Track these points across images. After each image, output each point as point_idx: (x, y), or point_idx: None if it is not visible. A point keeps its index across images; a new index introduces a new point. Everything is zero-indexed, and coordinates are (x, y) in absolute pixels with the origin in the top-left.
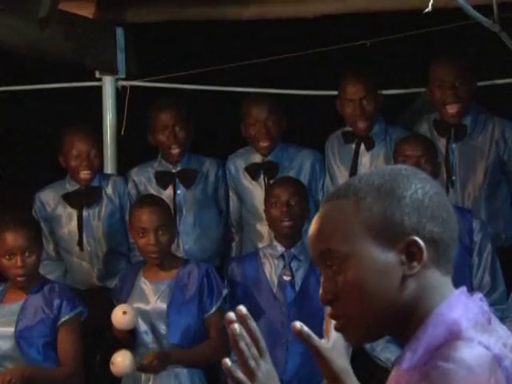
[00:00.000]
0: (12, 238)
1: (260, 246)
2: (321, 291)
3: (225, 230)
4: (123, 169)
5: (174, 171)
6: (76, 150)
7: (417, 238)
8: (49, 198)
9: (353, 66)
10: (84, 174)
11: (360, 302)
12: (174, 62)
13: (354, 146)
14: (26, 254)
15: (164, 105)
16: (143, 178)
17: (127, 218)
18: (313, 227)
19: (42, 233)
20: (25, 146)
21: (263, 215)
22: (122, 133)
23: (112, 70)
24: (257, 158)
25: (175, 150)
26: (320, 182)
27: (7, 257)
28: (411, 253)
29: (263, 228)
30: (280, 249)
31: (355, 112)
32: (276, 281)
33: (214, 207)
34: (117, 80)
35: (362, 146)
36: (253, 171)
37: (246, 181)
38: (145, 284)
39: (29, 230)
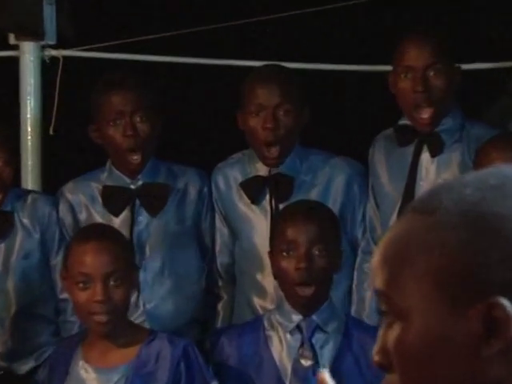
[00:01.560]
0: None
1: (263, 309)
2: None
3: (209, 282)
4: (51, 184)
5: (132, 187)
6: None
7: (504, 301)
8: None
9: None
10: None
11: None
12: (129, 24)
13: (412, 148)
14: None
15: (118, 81)
16: (83, 198)
17: (55, 260)
18: (379, 248)
19: None
20: None
21: (268, 260)
22: (51, 130)
23: (35, 34)
24: (260, 169)
25: (135, 155)
26: (360, 210)
27: None
28: (494, 319)
29: (268, 280)
30: (295, 317)
31: (416, 88)
32: (289, 367)
33: (193, 245)
34: (43, 48)
35: (425, 149)
36: (253, 189)
37: (243, 204)
38: (85, 371)
39: None
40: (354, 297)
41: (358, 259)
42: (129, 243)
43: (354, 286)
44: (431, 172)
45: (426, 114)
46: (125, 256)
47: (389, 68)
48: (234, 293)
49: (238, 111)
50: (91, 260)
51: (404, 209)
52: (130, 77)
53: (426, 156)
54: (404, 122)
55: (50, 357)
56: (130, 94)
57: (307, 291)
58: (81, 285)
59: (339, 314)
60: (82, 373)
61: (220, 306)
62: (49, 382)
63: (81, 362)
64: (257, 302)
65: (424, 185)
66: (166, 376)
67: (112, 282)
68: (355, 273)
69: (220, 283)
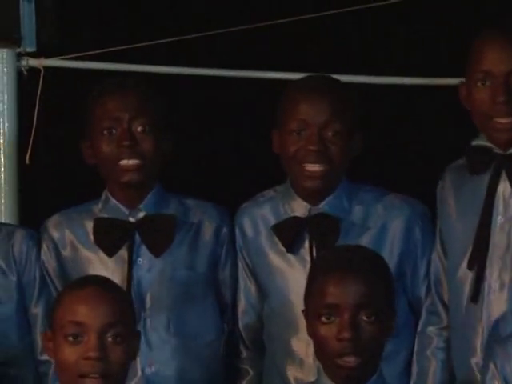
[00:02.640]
0: None
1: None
2: None
3: (230, 349)
4: (31, 217)
5: (131, 220)
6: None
7: None
8: None
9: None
10: None
11: None
12: (124, 28)
13: (488, 177)
14: None
15: (116, 84)
16: (70, 235)
17: (35, 309)
18: None
19: None
20: None
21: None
22: (28, 158)
23: (10, 39)
24: (297, 209)
25: (131, 161)
26: (423, 262)
27: None
28: None
29: (304, 347)
30: None
31: (496, 97)
32: None
33: (207, 297)
34: (19, 56)
35: (504, 177)
36: (289, 234)
37: (275, 252)
38: None
39: None
40: (414, 368)
41: (421, 321)
42: (129, 296)
43: (414, 355)
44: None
45: (505, 119)
46: (125, 307)
47: (454, 81)
48: (262, 366)
49: (272, 130)
50: (85, 310)
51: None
52: (132, 79)
53: (505, 185)
54: (479, 142)
55: None
56: (129, 96)
57: (351, 361)
58: (70, 338)
59: None
60: None
61: (245, 382)
62: None
63: None
64: (291, 374)
65: (503, 222)
66: None
67: (109, 337)
68: (417, 338)
69: (244, 354)
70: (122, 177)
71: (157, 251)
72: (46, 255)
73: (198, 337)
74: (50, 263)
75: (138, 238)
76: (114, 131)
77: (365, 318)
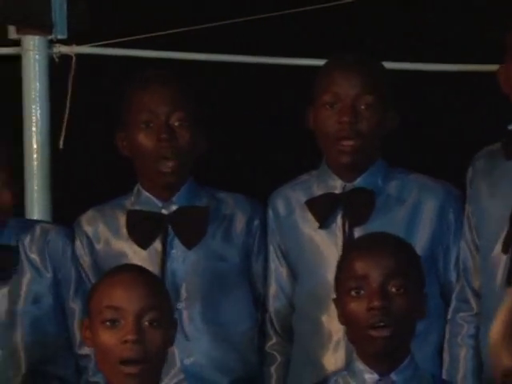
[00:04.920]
0: None
1: (330, 366)
2: None
3: (261, 335)
4: (63, 214)
5: (164, 212)
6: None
7: None
8: None
9: None
10: None
11: None
12: (152, 15)
13: None
14: None
15: (154, 78)
16: (104, 230)
17: (73, 304)
18: (502, 319)
19: None
20: None
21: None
22: (61, 143)
23: (41, 26)
24: (332, 186)
25: (169, 162)
26: (455, 246)
27: None
28: None
29: (338, 328)
30: (369, 377)
31: None
32: None
33: (241, 287)
34: (51, 44)
35: None
36: (322, 208)
37: (308, 228)
38: None
39: None
40: (446, 355)
41: (451, 308)
42: (164, 284)
43: (445, 342)
44: None
45: None
46: (162, 295)
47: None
48: (291, 352)
49: (308, 108)
50: (121, 295)
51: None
52: (167, 75)
53: None
54: None
55: None
56: (167, 92)
57: (383, 331)
58: (108, 323)
59: (424, 374)
60: None
61: (273, 369)
62: None
63: None
64: (322, 356)
65: None
66: None
67: (146, 322)
68: (447, 326)
69: (274, 339)
70: (159, 178)
71: (189, 243)
72: (80, 250)
73: (233, 326)
74: (85, 258)
75: (171, 230)
76: (151, 124)
77: (394, 290)
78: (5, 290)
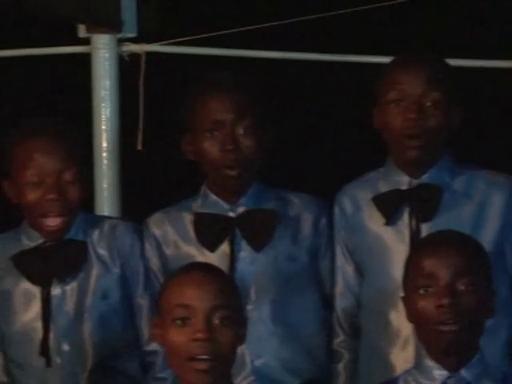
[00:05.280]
0: None
1: (399, 365)
2: None
3: (329, 334)
4: (133, 214)
5: (231, 215)
6: (35, 169)
7: None
8: None
9: None
10: (52, 219)
11: None
12: (221, 13)
13: None
14: None
15: (217, 83)
16: (172, 232)
17: (140, 299)
18: None
19: None
20: None
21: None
22: (139, 144)
23: (111, 25)
24: (399, 182)
25: (233, 171)
26: None
27: None
28: None
29: (404, 322)
30: (438, 373)
31: None
32: None
33: (309, 287)
34: (120, 42)
35: None
36: (390, 205)
37: (375, 225)
38: None
39: None
40: None
41: None
42: (234, 282)
43: None
44: None
45: None
46: (233, 294)
47: None
48: (358, 349)
49: (373, 108)
50: (192, 294)
51: None
52: (234, 78)
53: None
54: None
55: None
56: (231, 98)
57: (451, 327)
58: (178, 322)
59: (494, 372)
60: None
61: (341, 367)
62: None
63: None
64: (391, 354)
65: None
66: None
67: (216, 319)
68: None
69: (341, 337)
70: (225, 184)
71: (257, 246)
72: (149, 253)
73: (302, 327)
74: (154, 261)
75: (238, 232)
76: (215, 133)
77: (462, 287)
78: (74, 285)
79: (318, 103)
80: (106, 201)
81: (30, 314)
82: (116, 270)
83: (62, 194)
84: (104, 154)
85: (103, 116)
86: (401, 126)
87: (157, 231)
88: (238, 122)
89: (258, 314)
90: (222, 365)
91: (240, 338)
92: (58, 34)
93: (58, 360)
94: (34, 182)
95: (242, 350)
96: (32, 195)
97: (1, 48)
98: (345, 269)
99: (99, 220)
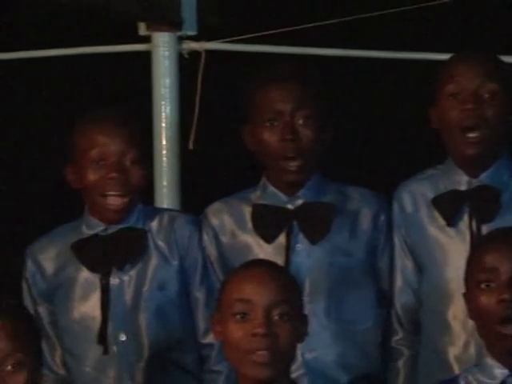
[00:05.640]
0: None
1: (459, 364)
2: None
3: (386, 332)
4: (193, 208)
5: (289, 207)
6: (97, 149)
7: None
8: (50, 255)
9: None
10: (113, 198)
11: None
12: (281, 11)
13: None
14: (9, 365)
15: (279, 75)
16: (230, 222)
17: (198, 292)
18: None
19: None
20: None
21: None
22: (191, 144)
23: (171, 23)
24: (458, 182)
25: (293, 161)
26: None
27: None
28: None
29: (462, 323)
30: (499, 372)
31: None
32: None
33: (365, 283)
34: (180, 40)
35: None
36: (449, 206)
37: (435, 227)
38: None
39: (15, 324)
40: None
41: None
42: (295, 279)
43: None
44: None
45: None
46: (292, 290)
47: None
48: (418, 346)
49: (431, 107)
50: (252, 289)
51: None
52: (295, 68)
53: None
54: None
55: None
56: (292, 89)
57: None
58: (238, 317)
59: None
60: None
61: (401, 364)
62: None
63: None
64: (451, 353)
65: None
66: None
67: (276, 316)
68: None
69: (400, 334)
70: (284, 176)
71: (314, 239)
72: (207, 243)
73: (356, 322)
74: (211, 250)
75: (296, 225)
76: (275, 123)
77: None
78: (132, 273)
79: (379, 100)
80: (166, 198)
81: (89, 302)
82: (175, 263)
83: (124, 173)
84: (164, 152)
85: (163, 114)
86: (458, 117)
87: (214, 221)
88: (298, 112)
89: (312, 307)
90: (281, 360)
91: (299, 335)
92: (118, 32)
93: (114, 349)
94: (96, 162)
95: None
96: (94, 175)
97: (62, 46)
98: (404, 265)
99: (158, 212)
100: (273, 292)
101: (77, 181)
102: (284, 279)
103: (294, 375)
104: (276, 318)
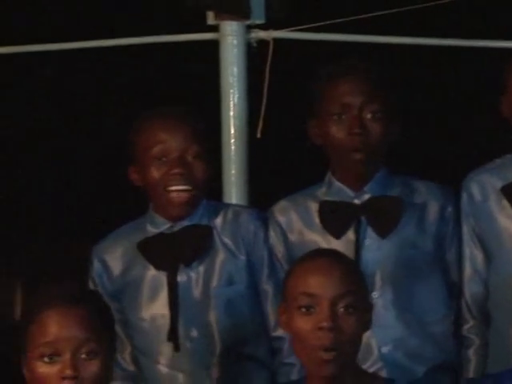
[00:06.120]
0: (57, 323)
1: None
2: None
3: (456, 321)
4: (260, 198)
5: (356, 202)
6: (160, 146)
7: None
8: (116, 254)
9: None
10: (177, 193)
11: None
12: None
13: None
14: (83, 353)
15: (347, 67)
16: (297, 219)
17: (266, 285)
18: None
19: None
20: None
21: None
22: (259, 132)
23: (239, 12)
24: None
25: (359, 154)
26: None
27: (46, 358)
28: None
29: None
30: None
31: None
32: None
33: (434, 275)
34: (249, 29)
35: None
36: None
37: (504, 217)
38: None
39: (90, 312)
40: None
41: None
42: (360, 268)
43: None
44: None
45: None
46: (358, 280)
47: None
48: (489, 335)
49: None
50: (317, 282)
51: None
52: (364, 62)
53: None
54: None
55: None
56: (361, 83)
57: None
58: (303, 309)
59: None
60: None
61: (471, 352)
62: None
63: None
64: None
65: None
66: None
67: (342, 308)
68: None
69: (471, 323)
70: (351, 168)
71: (383, 233)
72: (274, 240)
73: (427, 315)
74: (279, 248)
75: (364, 220)
76: (343, 116)
77: None
78: (200, 270)
79: (447, 89)
80: (234, 186)
81: (158, 301)
82: (242, 257)
83: (186, 168)
84: (232, 140)
85: (231, 102)
86: None
87: (281, 218)
88: (366, 106)
89: (383, 301)
90: (348, 353)
91: (366, 324)
92: (186, 21)
93: (187, 345)
94: (158, 159)
95: (368, 336)
96: (157, 172)
97: (130, 35)
98: (473, 254)
99: (222, 207)
100: (337, 284)
101: (140, 179)
102: (348, 269)
103: (371, 369)
104: (341, 310)
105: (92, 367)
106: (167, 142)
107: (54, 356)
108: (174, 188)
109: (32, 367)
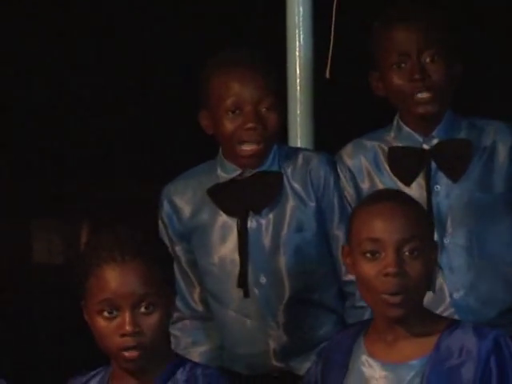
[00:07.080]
0: (115, 279)
1: None
2: None
3: None
4: (325, 140)
5: (426, 147)
6: (234, 97)
7: None
8: (186, 197)
9: None
10: (249, 145)
11: None
12: None
13: None
14: (142, 307)
15: (402, 15)
16: (366, 163)
17: (337, 231)
18: None
19: (176, 268)
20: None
21: None
22: (328, 72)
23: None
24: None
25: (425, 95)
26: None
27: (106, 313)
28: None
29: None
30: None
31: None
32: None
33: (505, 218)
34: None
35: None
36: None
37: None
38: (370, 367)
39: (148, 265)
40: None
41: None
42: (426, 213)
43: None
44: None
45: None
46: (422, 222)
47: None
48: None
49: None
50: (382, 224)
51: None
52: (418, 8)
53: None
54: None
55: (325, 349)
56: (416, 29)
57: None
58: (368, 255)
59: None
60: (366, 369)
61: None
62: (323, 378)
63: (364, 357)
64: None
65: None
66: (473, 373)
67: (406, 253)
68: None
69: None
70: (417, 109)
71: (454, 176)
72: (344, 184)
73: (499, 257)
74: (349, 191)
75: (433, 164)
76: (402, 65)
77: None
78: (269, 217)
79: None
80: (300, 127)
81: (227, 246)
82: (312, 204)
83: (260, 122)
84: (298, 81)
85: (297, 43)
86: None
87: (350, 162)
88: (424, 52)
89: (454, 246)
90: (414, 297)
91: (431, 265)
92: None
93: (255, 291)
94: (232, 112)
95: (441, 283)
96: (230, 125)
97: None
98: None
99: (293, 152)
100: (402, 228)
101: (211, 126)
102: (413, 212)
103: (444, 314)
104: (407, 254)
105: (151, 320)
106: (241, 94)
107: (113, 310)
108: (246, 144)
109: (92, 320)
